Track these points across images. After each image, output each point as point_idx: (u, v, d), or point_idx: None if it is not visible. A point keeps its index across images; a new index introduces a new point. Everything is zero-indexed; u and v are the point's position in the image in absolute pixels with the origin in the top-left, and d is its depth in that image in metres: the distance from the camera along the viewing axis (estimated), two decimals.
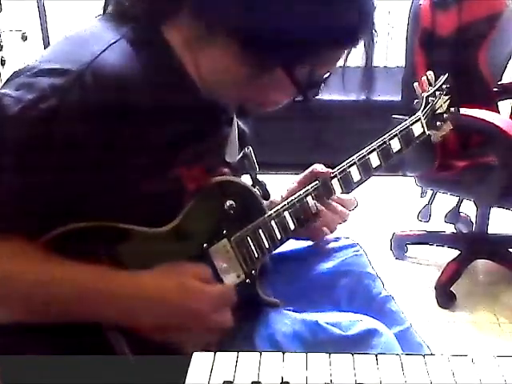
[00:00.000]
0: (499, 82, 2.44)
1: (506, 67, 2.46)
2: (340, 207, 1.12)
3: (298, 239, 1.18)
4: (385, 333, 1.04)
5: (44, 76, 0.82)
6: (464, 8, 2.26)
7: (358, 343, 1.02)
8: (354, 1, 0.89)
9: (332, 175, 1.11)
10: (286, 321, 1.04)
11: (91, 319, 0.86)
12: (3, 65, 2.91)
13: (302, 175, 1.15)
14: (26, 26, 3.08)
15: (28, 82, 0.82)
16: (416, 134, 1.20)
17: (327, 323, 1.04)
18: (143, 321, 0.87)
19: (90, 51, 0.83)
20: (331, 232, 1.14)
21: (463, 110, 1.93)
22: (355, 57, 0.95)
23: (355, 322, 1.05)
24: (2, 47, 2.99)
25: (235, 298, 0.93)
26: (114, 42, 0.86)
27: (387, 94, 2.95)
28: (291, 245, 1.20)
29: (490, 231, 2.44)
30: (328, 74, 0.95)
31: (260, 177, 1.08)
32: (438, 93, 1.25)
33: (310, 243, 1.22)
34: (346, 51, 0.93)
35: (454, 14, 2.26)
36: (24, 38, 2.99)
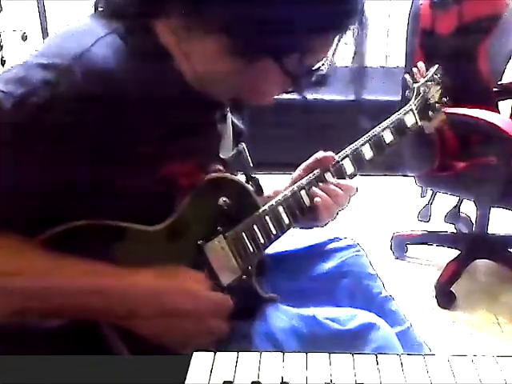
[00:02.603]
0: (499, 82, 2.44)
1: (506, 67, 2.46)
2: (338, 191, 1.10)
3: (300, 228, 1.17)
4: (382, 327, 1.04)
5: (34, 70, 0.82)
6: (464, 8, 2.27)
7: (355, 337, 1.02)
8: None
9: (325, 169, 1.11)
10: (283, 316, 1.04)
11: (88, 317, 0.86)
12: (3, 65, 2.92)
13: (305, 163, 1.14)
14: (26, 26, 3.08)
15: (19, 77, 0.82)
16: (408, 125, 1.20)
17: (325, 318, 1.04)
18: (139, 320, 0.87)
19: (79, 45, 0.83)
20: (329, 217, 1.12)
21: (463, 110, 1.96)
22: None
23: (353, 317, 1.05)
24: (1, 47, 2.99)
25: (231, 308, 0.93)
26: (104, 36, 0.86)
27: (387, 94, 2.96)
28: (292, 245, 1.20)
29: (490, 231, 2.44)
30: (319, 63, 0.93)
31: (258, 176, 1.08)
32: (429, 83, 1.26)
33: (310, 244, 1.22)
34: (335, 39, 0.91)
35: (454, 13, 2.26)
36: (24, 38, 2.99)
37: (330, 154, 1.13)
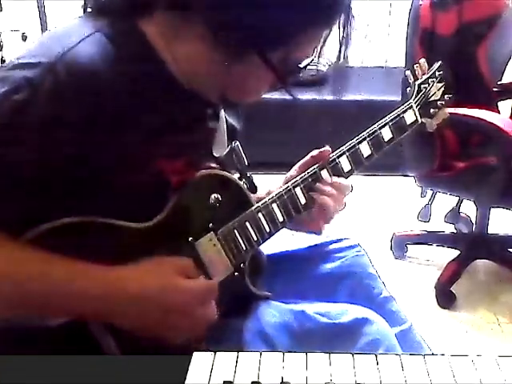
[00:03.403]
0: (499, 82, 2.44)
1: (506, 67, 2.46)
2: (335, 192, 1.08)
3: (296, 230, 1.15)
4: (376, 321, 1.05)
5: (18, 69, 0.82)
6: (464, 8, 2.27)
7: (347, 332, 1.02)
8: None
9: (321, 166, 1.09)
10: (274, 312, 1.03)
11: (73, 316, 0.86)
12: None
13: (301, 161, 1.13)
14: (26, 26, 3.08)
15: (2, 77, 0.82)
16: (408, 122, 1.18)
17: (316, 313, 1.04)
18: (125, 319, 0.87)
19: (63, 44, 0.83)
20: (328, 220, 1.10)
21: (463, 110, 1.95)
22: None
23: (345, 312, 1.05)
24: (1, 47, 2.99)
25: (217, 291, 0.92)
26: (89, 35, 0.86)
27: (387, 94, 2.96)
28: (292, 245, 1.20)
29: (490, 231, 2.44)
30: (307, 60, 0.93)
31: (250, 173, 1.07)
32: (431, 80, 1.24)
33: (311, 244, 1.22)
34: (322, 33, 0.90)
35: (454, 14, 2.26)
36: (24, 38, 3.00)
37: (325, 148, 1.10)
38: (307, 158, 1.12)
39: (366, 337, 1.01)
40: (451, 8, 2.25)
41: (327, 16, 0.88)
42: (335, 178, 1.09)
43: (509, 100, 2.49)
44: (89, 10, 0.94)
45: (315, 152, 1.11)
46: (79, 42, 0.84)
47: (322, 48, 0.92)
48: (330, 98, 3.19)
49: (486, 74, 2.37)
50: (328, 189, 1.08)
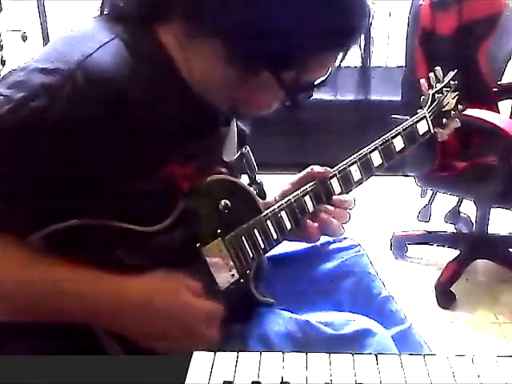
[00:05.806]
0: (499, 82, 2.45)
1: (506, 67, 2.46)
2: (336, 209, 1.08)
3: (291, 241, 1.15)
4: (379, 332, 1.04)
5: (36, 75, 0.82)
6: (464, 8, 2.27)
7: (350, 343, 1.01)
8: (344, 4, 0.87)
9: (331, 174, 1.09)
10: (278, 320, 1.03)
11: (76, 321, 0.86)
12: (3, 65, 2.92)
13: (297, 176, 1.12)
14: (26, 26, 3.08)
15: (20, 81, 0.82)
16: (421, 133, 1.17)
17: (320, 323, 1.03)
18: (129, 327, 0.87)
19: (82, 50, 0.83)
20: (330, 235, 1.12)
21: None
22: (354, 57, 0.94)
23: (349, 322, 1.04)
24: (2, 47, 2.99)
25: (221, 316, 0.92)
26: (107, 42, 0.86)
27: (387, 94, 2.96)
28: (292, 246, 1.20)
29: (490, 231, 2.44)
30: (320, 78, 0.93)
31: (259, 176, 1.07)
32: (445, 89, 1.22)
33: (311, 245, 1.22)
34: (338, 55, 0.91)
35: (454, 13, 2.27)
36: (24, 38, 3.00)
37: (324, 169, 1.09)
38: (304, 173, 1.11)
39: (368, 348, 1.01)
40: (451, 8, 2.26)
41: (342, 41, 0.89)
42: (334, 196, 1.09)
43: (509, 100, 2.49)
44: (105, 12, 0.94)
45: (315, 169, 1.09)
46: (98, 49, 0.84)
47: (338, 67, 0.93)
48: (330, 97, 3.19)
49: (486, 74, 2.37)
50: (329, 208, 1.08)
